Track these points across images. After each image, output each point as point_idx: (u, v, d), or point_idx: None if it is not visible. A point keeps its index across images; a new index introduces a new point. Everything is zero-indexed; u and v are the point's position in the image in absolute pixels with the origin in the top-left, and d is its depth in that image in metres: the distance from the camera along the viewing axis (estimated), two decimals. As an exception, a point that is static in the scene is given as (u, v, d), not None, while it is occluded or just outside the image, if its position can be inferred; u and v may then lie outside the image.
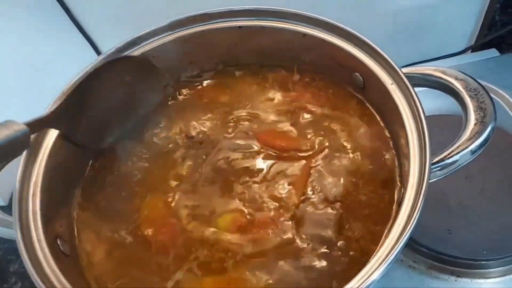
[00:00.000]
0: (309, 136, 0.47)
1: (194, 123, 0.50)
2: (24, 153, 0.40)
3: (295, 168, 0.45)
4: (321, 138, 0.47)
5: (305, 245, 0.40)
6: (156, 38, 0.48)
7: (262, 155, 0.46)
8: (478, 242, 0.55)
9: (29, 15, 0.64)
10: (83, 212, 0.45)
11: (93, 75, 0.44)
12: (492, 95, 0.41)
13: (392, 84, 0.42)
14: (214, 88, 0.53)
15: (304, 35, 0.47)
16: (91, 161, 0.48)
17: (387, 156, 0.45)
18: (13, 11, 0.63)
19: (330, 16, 0.46)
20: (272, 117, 0.49)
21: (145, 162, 0.48)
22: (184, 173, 0.46)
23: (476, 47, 0.83)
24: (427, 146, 0.37)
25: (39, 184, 0.40)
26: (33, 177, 0.40)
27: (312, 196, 0.43)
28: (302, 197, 0.43)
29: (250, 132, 0.48)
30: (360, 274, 0.32)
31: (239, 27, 0.49)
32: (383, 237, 0.39)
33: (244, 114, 0.50)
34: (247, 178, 0.45)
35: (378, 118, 0.47)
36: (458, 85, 0.41)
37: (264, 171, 0.45)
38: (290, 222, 0.42)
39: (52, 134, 0.42)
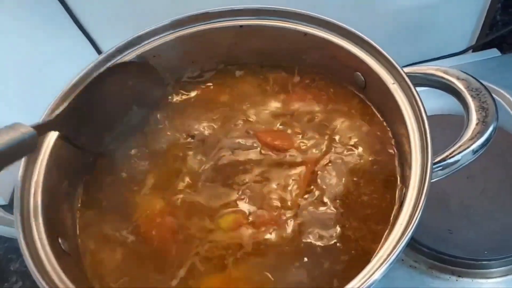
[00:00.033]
0: (309, 135, 0.47)
1: (195, 122, 0.50)
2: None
3: (296, 167, 0.45)
4: (322, 137, 0.47)
5: (306, 244, 0.40)
6: (157, 37, 0.48)
7: (262, 155, 0.46)
8: (480, 242, 0.55)
9: (29, 14, 0.63)
10: (85, 211, 0.45)
11: (97, 80, 0.44)
12: (493, 95, 0.41)
13: (393, 83, 0.42)
14: (214, 88, 0.53)
15: (305, 34, 0.47)
16: (92, 160, 0.48)
17: (388, 156, 0.45)
18: (14, 10, 0.63)
19: (330, 16, 0.46)
20: (272, 117, 0.49)
21: (145, 161, 0.48)
22: (185, 172, 0.46)
23: (477, 47, 0.83)
24: (429, 146, 0.37)
25: (40, 183, 0.40)
26: (34, 175, 0.41)
27: (313, 195, 0.43)
28: (303, 196, 0.43)
29: (251, 132, 0.48)
30: (362, 274, 0.32)
31: (240, 26, 0.48)
32: (385, 236, 0.39)
33: (244, 113, 0.50)
34: (248, 177, 0.45)
35: (380, 118, 0.47)
36: (460, 85, 0.41)
37: (265, 171, 0.45)
38: (291, 221, 0.42)
39: (53, 134, 0.42)
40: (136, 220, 0.44)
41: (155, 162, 0.47)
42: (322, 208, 0.42)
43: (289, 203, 0.43)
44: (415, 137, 0.38)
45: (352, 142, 0.46)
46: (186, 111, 0.51)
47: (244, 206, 0.43)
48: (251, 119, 0.49)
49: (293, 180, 0.44)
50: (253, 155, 0.46)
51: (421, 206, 0.34)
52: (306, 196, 0.43)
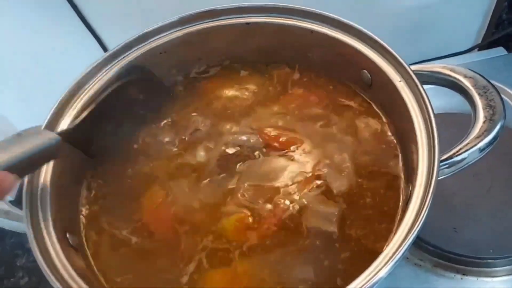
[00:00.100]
0: (312, 133, 0.47)
1: (199, 118, 0.50)
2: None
3: (298, 164, 0.45)
4: (325, 135, 0.47)
5: (311, 242, 0.40)
6: (164, 34, 0.48)
7: (265, 151, 0.46)
8: (485, 240, 0.54)
9: (35, 12, 0.64)
10: (91, 207, 0.45)
11: (112, 93, 0.45)
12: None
13: (400, 81, 0.41)
14: (219, 84, 0.53)
15: (312, 32, 0.47)
16: (96, 158, 0.48)
17: (393, 154, 0.45)
18: (20, 7, 0.63)
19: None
20: (276, 114, 0.50)
21: (149, 158, 0.48)
22: (189, 168, 0.47)
23: (483, 46, 0.82)
24: (436, 144, 0.37)
25: (49, 178, 0.41)
26: (42, 171, 0.41)
27: (317, 193, 0.43)
28: (306, 194, 0.43)
29: (254, 128, 0.48)
30: (367, 272, 0.32)
31: (247, 23, 0.49)
32: (392, 234, 0.39)
33: (248, 110, 0.50)
34: (251, 173, 0.45)
35: (384, 115, 0.47)
36: (467, 83, 0.41)
37: (268, 167, 0.45)
38: (294, 218, 0.42)
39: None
40: (140, 217, 0.44)
41: (158, 158, 0.48)
42: (325, 205, 0.42)
43: (292, 200, 0.43)
44: (422, 135, 0.38)
45: (356, 140, 0.46)
46: (190, 107, 0.51)
47: (246, 202, 0.43)
48: (254, 116, 0.50)
49: (295, 177, 0.44)
50: (256, 151, 0.46)
51: (428, 204, 0.34)
52: (309, 193, 0.43)
